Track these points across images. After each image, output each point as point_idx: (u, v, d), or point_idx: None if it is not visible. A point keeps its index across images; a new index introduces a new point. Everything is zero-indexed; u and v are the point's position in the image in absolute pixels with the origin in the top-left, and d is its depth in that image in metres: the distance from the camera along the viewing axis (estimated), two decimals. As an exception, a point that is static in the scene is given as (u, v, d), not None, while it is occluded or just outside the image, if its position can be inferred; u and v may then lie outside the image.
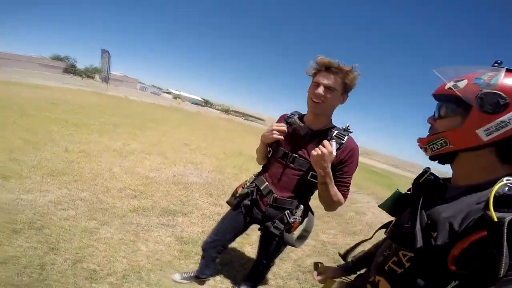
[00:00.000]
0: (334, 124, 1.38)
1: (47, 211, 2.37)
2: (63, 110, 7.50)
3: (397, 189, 0.86)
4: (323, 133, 1.32)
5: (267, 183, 1.42)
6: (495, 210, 0.49)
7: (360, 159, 1.45)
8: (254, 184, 1.49)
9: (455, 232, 0.58)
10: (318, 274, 1.09)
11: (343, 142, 1.27)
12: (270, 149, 1.43)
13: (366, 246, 1.05)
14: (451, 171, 0.74)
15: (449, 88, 0.66)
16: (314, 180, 1.29)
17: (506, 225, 0.46)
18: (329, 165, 1.18)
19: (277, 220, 1.37)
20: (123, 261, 1.99)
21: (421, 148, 0.76)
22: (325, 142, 1.18)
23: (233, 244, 2.16)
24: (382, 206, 0.87)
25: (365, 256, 1.03)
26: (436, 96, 0.73)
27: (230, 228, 1.62)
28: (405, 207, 0.79)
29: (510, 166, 0.62)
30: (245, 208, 1.50)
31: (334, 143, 1.22)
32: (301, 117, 1.43)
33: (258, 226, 1.49)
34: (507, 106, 0.57)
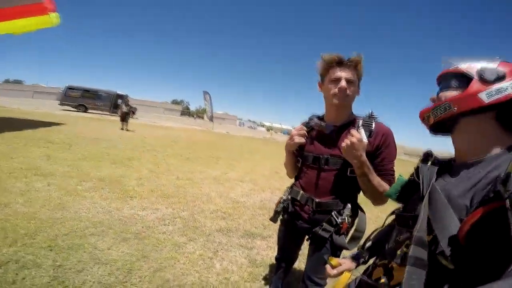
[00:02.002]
0: (356, 115, 1.33)
1: (152, 225, 2.86)
2: (179, 147, 9.25)
3: (400, 175, 0.88)
4: (348, 126, 1.28)
5: (302, 191, 1.36)
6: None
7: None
8: (288, 197, 1.44)
9: (468, 209, 0.60)
10: (332, 268, 1.05)
11: (372, 128, 1.22)
12: (299, 158, 1.41)
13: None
14: (453, 149, 0.78)
15: (454, 68, 0.74)
16: (354, 175, 1.21)
17: None
18: (363, 153, 1.12)
19: (324, 223, 1.28)
20: (195, 275, 2.12)
21: (423, 120, 0.81)
22: (352, 131, 1.14)
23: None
24: (388, 195, 0.89)
25: (375, 244, 1.03)
26: (441, 76, 0.80)
27: (284, 244, 1.58)
28: (411, 193, 0.81)
29: (509, 136, 0.66)
30: (286, 222, 1.47)
31: (362, 130, 1.17)
32: (320, 117, 1.40)
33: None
34: (504, 77, 0.65)
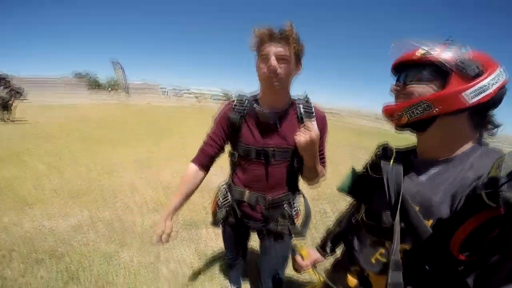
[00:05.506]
0: (293, 98, 1.21)
1: (68, 237, 2.33)
2: (88, 127, 7.79)
3: (353, 168, 0.84)
4: (288, 112, 1.18)
5: (247, 191, 1.22)
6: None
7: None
8: (228, 199, 1.27)
9: (451, 216, 0.58)
10: (303, 260, 1.04)
11: (313, 115, 1.15)
12: (234, 152, 1.23)
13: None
14: (417, 142, 0.74)
15: (423, 54, 0.63)
16: (300, 164, 1.18)
17: None
18: (317, 146, 1.10)
19: (280, 219, 1.24)
20: (144, 288, 1.86)
21: (389, 116, 0.70)
22: (308, 123, 1.08)
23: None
24: (340, 190, 0.86)
25: (338, 234, 1.02)
26: (405, 63, 0.68)
27: (234, 245, 1.47)
28: (369, 190, 0.79)
29: (477, 132, 0.65)
30: (232, 225, 1.32)
31: (314, 121, 1.11)
32: (255, 101, 1.20)
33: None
34: (483, 72, 0.58)
